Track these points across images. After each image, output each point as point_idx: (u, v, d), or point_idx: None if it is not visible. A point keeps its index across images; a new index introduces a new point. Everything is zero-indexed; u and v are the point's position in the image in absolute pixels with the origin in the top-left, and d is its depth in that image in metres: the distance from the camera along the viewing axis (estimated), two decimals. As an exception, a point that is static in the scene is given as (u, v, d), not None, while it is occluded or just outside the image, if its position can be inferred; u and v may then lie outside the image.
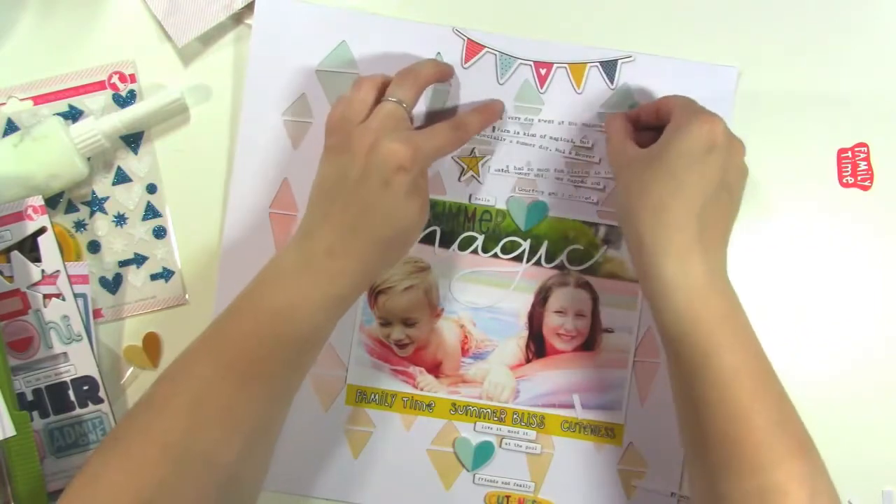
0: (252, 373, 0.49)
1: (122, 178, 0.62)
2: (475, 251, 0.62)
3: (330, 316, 0.51)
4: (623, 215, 0.54)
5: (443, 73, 0.58)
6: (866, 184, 0.62)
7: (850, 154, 0.62)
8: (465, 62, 0.61)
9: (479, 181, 0.62)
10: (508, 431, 0.61)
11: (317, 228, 0.51)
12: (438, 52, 0.61)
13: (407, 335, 0.62)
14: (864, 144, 0.62)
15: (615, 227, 0.61)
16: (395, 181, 0.49)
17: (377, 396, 0.62)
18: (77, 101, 0.61)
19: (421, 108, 0.61)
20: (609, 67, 0.62)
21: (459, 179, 0.62)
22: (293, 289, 0.50)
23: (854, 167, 0.62)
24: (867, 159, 0.62)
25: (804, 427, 0.50)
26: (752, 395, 0.48)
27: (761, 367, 0.50)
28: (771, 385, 0.50)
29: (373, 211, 0.50)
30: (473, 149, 0.61)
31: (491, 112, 0.59)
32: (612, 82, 0.62)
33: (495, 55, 0.61)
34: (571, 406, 0.61)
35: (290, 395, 0.53)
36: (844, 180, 0.62)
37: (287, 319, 0.50)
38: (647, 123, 0.58)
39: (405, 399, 0.62)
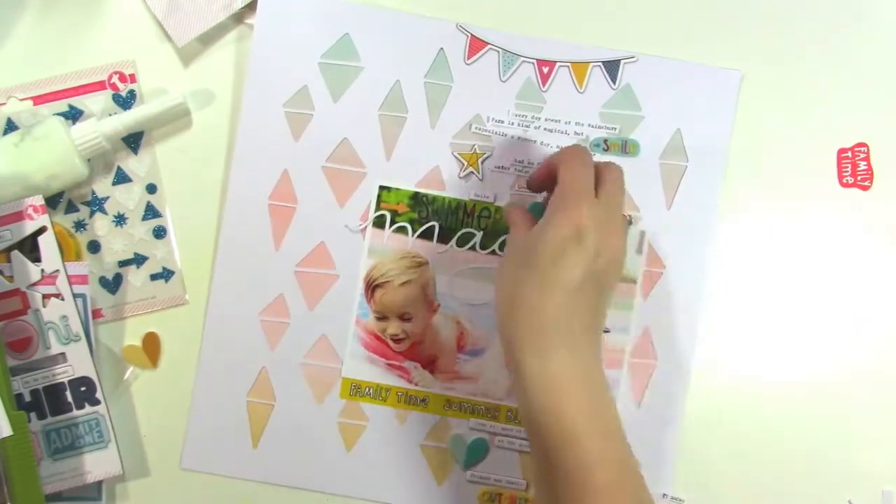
0: None
1: (122, 178, 0.62)
2: (473, 248, 0.61)
3: None
4: (496, 292, 0.53)
5: None
6: (866, 184, 0.62)
7: (850, 154, 0.62)
8: (468, 58, 0.62)
9: (478, 178, 0.62)
10: (502, 429, 0.61)
11: None
12: (441, 48, 0.61)
13: (403, 330, 0.61)
14: (864, 144, 0.62)
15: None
16: None
17: (371, 390, 0.61)
18: (77, 101, 0.61)
19: (422, 104, 0.61)
20: (612, 67, 0.62)
21: (459, 176, 0.62)
22: None
23: (854, 167, 0.62)
24: (867, 159, 0.62)
25: None
26: (605, 485, 0.47)
27: (618, 456, 0.49)
28: (625, 474, 0.49)
29: None
30: (474, 145, 0.62)
31: None
32: (614, 82, 0.62)
33: (498, 52, 0.62)
34: (565, 405, 0.61)
35: None
36: (844, 180, 0.62)
37: None
38: (542, 185, 0.57)
39: (399, 394, 0.61)
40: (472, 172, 0.62)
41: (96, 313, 0.61)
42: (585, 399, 0.49)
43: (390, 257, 0.61)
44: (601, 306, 0.52)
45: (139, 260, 0.62)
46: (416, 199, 0.61)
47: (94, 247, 0.62)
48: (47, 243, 0.58)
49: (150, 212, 0.62)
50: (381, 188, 0.61)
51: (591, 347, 0.50)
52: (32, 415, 0.58)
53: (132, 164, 0.62)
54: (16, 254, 0.58)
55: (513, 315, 0.50)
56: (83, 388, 0.58)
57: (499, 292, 0.52)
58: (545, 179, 0.56)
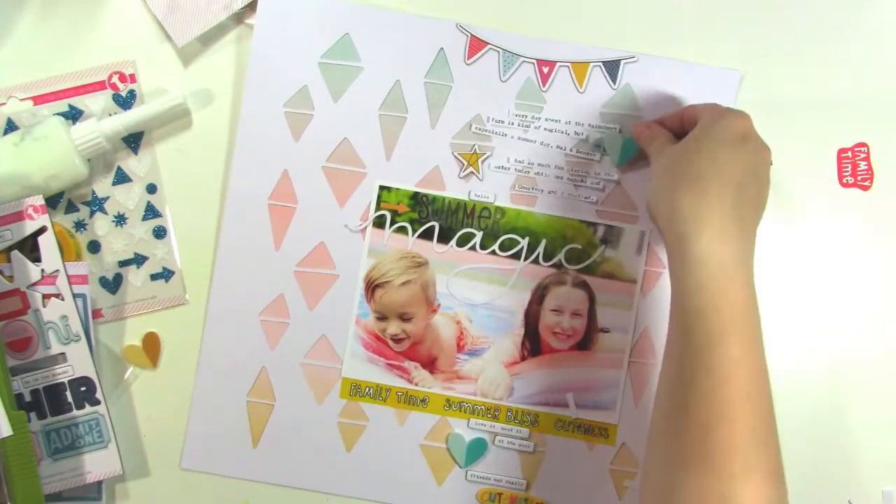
0: None
1: (122, 178, 0.62)
2: (473, 248, 0.62)
3: None
4: (657, 191, 0.54)
5: None
6: (866, 184, 0.62)
7: (850, 154, 0.62)
8: (469, 59, 0.62)
9: (478, 178, 0.62)
10: (502, 429, 0.61)
11: None
12: (441, 48, 0.61)
13: (403, 330, 0.61)
14: (864, 144, 0.62)
15: (614, 227, 0.61)
16: None
17: (371, 390, 0.61)
18: (77, 101, 0.61)
19: (422, 104, 0.61)
20: (612, 67, 0.62)
21: (459, 175, 0.62)
22: None
23: (854, 167, 0.62)
24: (867, 159, 0.62)
25: (780, 451, 0.49)
26: (745, 398, 0.48)
27: (760, 371, 0.49)
28: (764, 393, 0.49)
29: None
30: (474, 145, 0.62)
31: None
32: (614, 82, 0.62)
33: (498, 52, 0.62)
34: (565, 405, 0.61)
35: None
36: (844, 180, 0.62)
37: None
38: (673, 130, 0.58)
39: (399, 394, 0.62)
40: (472, 172, 0.62)
41: (96, 313, 0.61)
42: (746, 291, 0.50)
43: (390, 257, 0.61)
44: (761, 206, 0.53)
45: (139, 260, 0.62)
46: (416, 199, 0.61)
47: (94, 247, 0.62)
48: (47, 243, 0.58)
49: (150, 212, 0.62)
50: (381, 188, 0.61)
51: (752, 243, 0.52)
52: (32, 415, 0.58)
53: (132, 164, 0.62)
54: (16, 254, 0.58)
55: (694, 191, 0.51)
56: (83, 388, 0.58)
57: (677, 172, 0.53)
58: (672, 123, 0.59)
